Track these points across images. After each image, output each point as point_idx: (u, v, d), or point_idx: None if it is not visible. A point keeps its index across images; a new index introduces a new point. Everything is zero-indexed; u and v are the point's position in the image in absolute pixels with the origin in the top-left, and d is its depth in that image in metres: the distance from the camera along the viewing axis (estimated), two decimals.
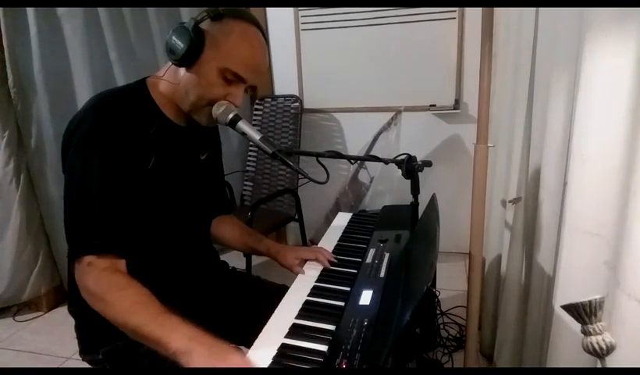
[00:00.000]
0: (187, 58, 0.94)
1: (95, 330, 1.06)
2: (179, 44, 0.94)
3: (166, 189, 1.02)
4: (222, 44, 0.94)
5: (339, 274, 1.13)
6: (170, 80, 1.00)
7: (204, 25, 0.95)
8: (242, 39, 0.96)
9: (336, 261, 1.19)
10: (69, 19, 2.09)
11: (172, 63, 0.97)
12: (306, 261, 1.21)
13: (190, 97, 0.98)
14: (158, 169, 0.98)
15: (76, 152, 0.91)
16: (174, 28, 0.95)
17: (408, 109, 2.53)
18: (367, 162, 2.55)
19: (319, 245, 1.29)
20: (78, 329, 1.10)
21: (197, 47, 0.94)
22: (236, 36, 0.95)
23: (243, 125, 1.04)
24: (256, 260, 2.47)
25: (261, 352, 0.84)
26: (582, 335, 0.62)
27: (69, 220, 0.92)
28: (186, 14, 2.41)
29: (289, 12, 2.62)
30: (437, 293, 1.83)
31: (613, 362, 0.61)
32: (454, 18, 2.39)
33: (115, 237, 0.91)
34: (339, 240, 1.35)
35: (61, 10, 2.08)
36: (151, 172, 0.97)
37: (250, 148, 2.77)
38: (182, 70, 0.97)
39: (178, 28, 0.95)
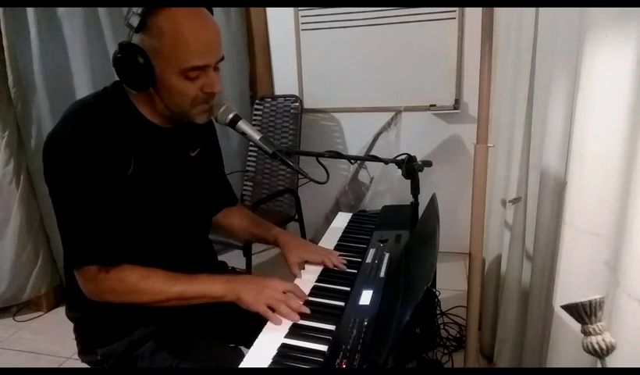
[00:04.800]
0: (143, 83, 0.92)
1: (94, 332, 1.06)
2: (127, 76, 0.91)
3: (150, 193, 0.99)
4: (162, 51, 0.88)
5: (339, 274, 1.13)
6: (144, 97, 0.97)
7: (136, 40, 0.89)
8: (175, 32, 0.87)
9: (344, 268, 1.15)
10: (69, 19, 2.09)
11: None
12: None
13: (171, 108, 0.97)
14: (138, 175, 0.96)
15: (59, 166, 0.91)
16: (113, 60, 0.91)
17: (408, 109, 2.52)
18: (367, 162, 2.55)
19: (319, 245, 1.28)
20: (77, 330, 1.10)
21: (145, 69, 0.89)
22: (168, 33, 0.87)
23: (243, 125, 1.04)
24: (256, 260, 2.47)
25: (261, 352, 0.84)
26: (582, 335, 0.62)
27: (68, 234, 0.94)
28: None
29: (289, 12, 2.62)
30: (437, 293, 1.83)
31: (613, 362, 0.61)
32: (454, 18, 2.39)
33: (113, 242, 0.94)
34: (339, 240, 1.34)
35: (61, 10, 2.08)
36: (131, 178, 0.95)
37: (250, 148, 2.77)
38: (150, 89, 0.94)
39: (116, 60, 0.90)
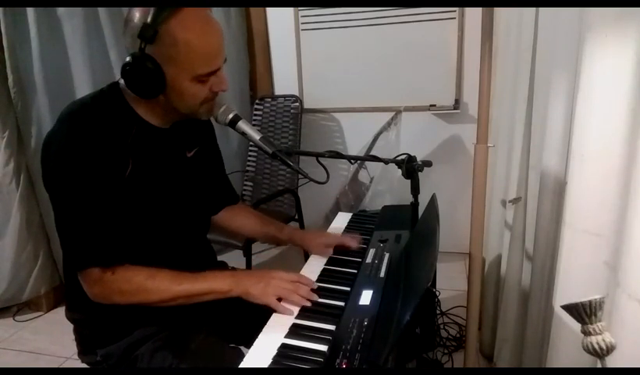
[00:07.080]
0: (156, 91, 0.92)
1: (93, 333, 1.06)
2: (139, 85, 0.91)
3: (148, 194, 0.99)
4: (176, 58, 0.89)
5: (339, 274, 1.13)
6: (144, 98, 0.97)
7: (148, 50, 0.88)
8: (188, 41, 0.88)
9: (363, 245, 1.23)
10: (69, 19, 2.09)
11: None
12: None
13: (181, 110, 0.98)
14: (136, 176, 0.96)
15: (56, 168, 0.91)
16: (122, 71, 0.90)
17: (408, 109, 2.52)
18: (367, 162, 2.55)
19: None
20: (77, 331, 1.10)
21: (157, 78, 0.90)
22: (181, 41, 0.88)
23: (243, 125, 1.04)
24: (256, 260, 2.47)
25: (261, 352, 0.84)
26: (582, 335, 0.62)
27: (68, 236, 0.94)
28: None
29: (289, 12, 2.62)
30: (437, 293, 1.83)
31: (613, 362, 0.61)
32: (454, 18, 2.39)
33: (114, 242, 0.94)
34: None
35: (61, 10, 2.08)
36: (129, 179, 0.95)
37: (250, 148, 2.77)
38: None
39: (126, 71, 0.90)
